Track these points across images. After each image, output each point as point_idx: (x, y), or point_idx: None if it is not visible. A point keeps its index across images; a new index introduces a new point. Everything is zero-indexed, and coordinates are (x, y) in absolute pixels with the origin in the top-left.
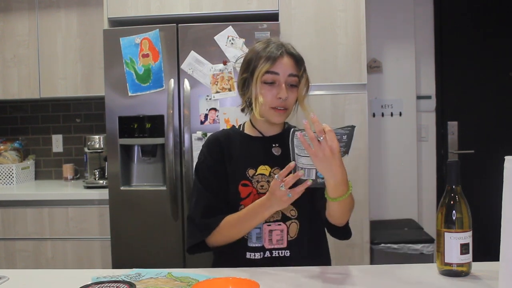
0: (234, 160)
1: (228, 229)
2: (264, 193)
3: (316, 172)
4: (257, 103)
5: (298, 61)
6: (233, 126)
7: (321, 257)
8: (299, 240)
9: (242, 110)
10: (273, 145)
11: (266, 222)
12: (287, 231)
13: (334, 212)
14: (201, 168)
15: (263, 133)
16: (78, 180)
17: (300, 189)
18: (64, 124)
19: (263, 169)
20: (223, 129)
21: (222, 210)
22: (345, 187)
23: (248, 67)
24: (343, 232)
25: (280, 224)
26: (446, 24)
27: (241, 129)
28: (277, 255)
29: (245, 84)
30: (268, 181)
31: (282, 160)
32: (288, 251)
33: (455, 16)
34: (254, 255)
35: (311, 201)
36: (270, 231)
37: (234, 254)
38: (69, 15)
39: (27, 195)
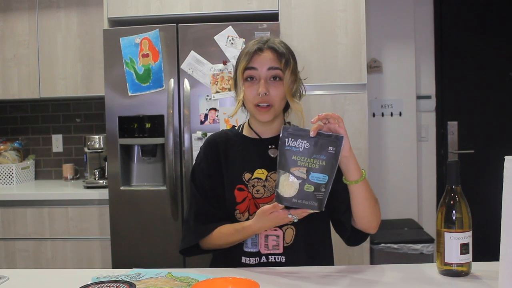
0: (231, 163)
1: (220, 238)
2: (260, 198)
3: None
4: (239, 100)
5: (279, 53)
6: (233, 126)
7: (319, 263)
8: (295, 246)
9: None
10: (270, 147)
11: None
12: (283, 237)
13: (362, 205)
14: (196, 171)
15: (260, 135)
16: (78, 180)
17: (303, 214)
18: (64, 124)
19: (260, 173)
20: (222, 130)
21: (215, 214)
22: (359, 169)
23: (235, 67)
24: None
25: (276, 230)
26: (446, 24)
27: (239, 130)
28: (272, 260)
29: (234, 83)
30: (264, 186)
31: None
32: (283, 257)
33: (455, 16)
34: (249, 260)
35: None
36: (266, 236)
37: (229, 258)
38: (69, 15)
39: (27, 195)
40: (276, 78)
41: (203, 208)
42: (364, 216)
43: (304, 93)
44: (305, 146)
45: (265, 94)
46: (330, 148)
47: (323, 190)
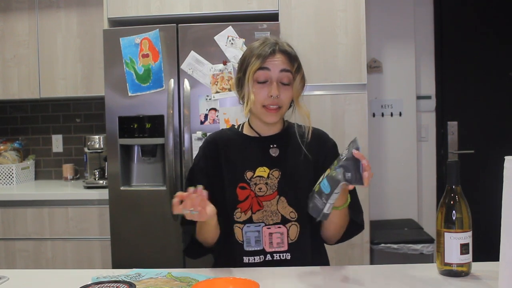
0: (232, 162)
1: (199, 236)
2: (262, 196)
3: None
4: (249, 101)
5: (291, 57)
6: (232, 125)
7: (321, 260)
8: (300, 242)
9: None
10: (271, 146)
11: (265, 225)
12: (287, 234)
13: (331, 225)
14: (194, 170)
15: (260, 134)
16: (78, 180)
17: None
18: (64, 124)
19: (262, 171)
20: (222, 129)
21: None
22: (346, 198)
23: (242, 66)
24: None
25: (280, 227)
26: (446, 24)
27: (239, 129)
28: (278, 258)
29: (239, 83)
30: (267, 183)
31: (280, 161)
32: (288, 254)
33: (455, 16)
34: (254, 259)
35: None
36: (270, 234)
37: (231, 260)
38: (69, 15)
39: (27, 195)
40: (286, 82)
41: None
42: (326, 231)
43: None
44: (343, 158)
45: (277, 96)
46: (348, 174)
47: (323, 200)
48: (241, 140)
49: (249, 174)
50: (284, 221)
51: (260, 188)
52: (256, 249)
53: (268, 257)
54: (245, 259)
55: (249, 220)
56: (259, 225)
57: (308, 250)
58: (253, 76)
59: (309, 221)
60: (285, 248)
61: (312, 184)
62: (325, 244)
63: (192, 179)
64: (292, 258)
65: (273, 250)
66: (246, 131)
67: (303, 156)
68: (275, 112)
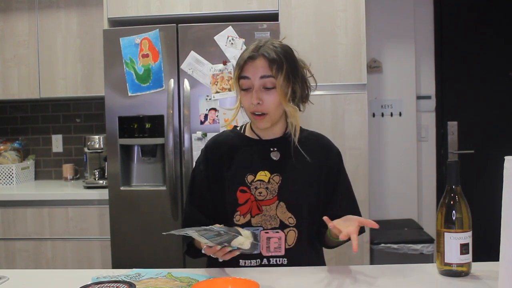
0: (233, 165)
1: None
2: (262, 200)
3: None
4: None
5: (270, 61)
6: (235, 127)
7: (319, 265)
8: (297, 248)
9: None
10: (271, 150)
11: (264, 229)
12: (285, 239)
13: (331, 244)
14: (194, 175)
15: (261, 137)
16: (78, 180)
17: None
18: (64, 124)
19: (263, 175)
20: (224, 131)
21: (201, 221)
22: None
23: (233, 72)
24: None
25: (278, 232)
26: (446, 24)
27: (241, 131)
28: (274, 263)
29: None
30: (267, 188)
31: (281, 166)
32: (285, 259)
33: (455, 16)
34: (250, 262)
35: (310, 210)
36: (268, 238)
37: (227, 263)
38: (69, 15)
39: (27, 195)
40: (269, 86)
41: (190, 215)
42: (325, 244)
43: (309, 92)
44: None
45: (258, 103)
46: None
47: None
48: (243, 142)
49: (250, 178)
50: (282, 226)
51: (260, 192)
52: (253, 252)
53: (265, 261)
54: (241, 262)
55: (248, 224)
56: (257, 229)
57: (305, 256)
58: (238, 83)
59: (307, 228)
60: (282, 253)
61: (312, 189)
62: (323, 249)
63: (192, 185)
64: (289, 263)
65: (270, 254)
66: (248, 133)
67: (303, 161)
68: (262, 118)
